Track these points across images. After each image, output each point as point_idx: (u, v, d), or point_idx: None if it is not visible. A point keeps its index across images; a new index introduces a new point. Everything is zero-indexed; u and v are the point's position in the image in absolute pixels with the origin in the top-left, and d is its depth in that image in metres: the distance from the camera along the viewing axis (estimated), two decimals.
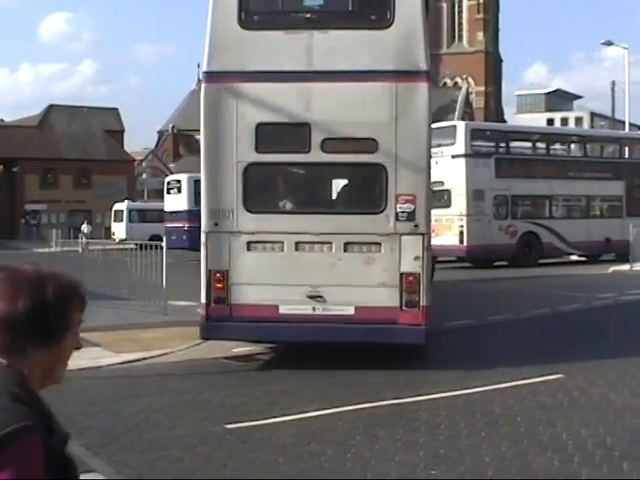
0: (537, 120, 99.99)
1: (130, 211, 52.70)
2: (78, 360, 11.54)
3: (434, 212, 13.72)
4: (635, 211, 31.48)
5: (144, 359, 11.87)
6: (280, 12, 11.88)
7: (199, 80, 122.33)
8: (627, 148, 34.52)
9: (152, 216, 48.73)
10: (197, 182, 38.32)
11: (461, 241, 28.74)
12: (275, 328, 11.06)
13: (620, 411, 8.60)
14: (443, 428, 7.86)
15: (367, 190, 12.10)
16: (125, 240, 43.54)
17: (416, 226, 10.98)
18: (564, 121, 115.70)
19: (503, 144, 30.54)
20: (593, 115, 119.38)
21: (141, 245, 18.02)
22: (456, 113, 61.53)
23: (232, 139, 11.16)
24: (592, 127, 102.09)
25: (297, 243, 11.16)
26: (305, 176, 12.34)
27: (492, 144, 30.44)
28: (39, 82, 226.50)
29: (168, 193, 40.07)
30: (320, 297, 11.03)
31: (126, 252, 20.07)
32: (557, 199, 31.54)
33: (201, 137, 11.66)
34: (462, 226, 28.77)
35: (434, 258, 14.66)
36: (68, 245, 35.92)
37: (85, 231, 50.15)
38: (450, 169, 27.73)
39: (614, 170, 32.43)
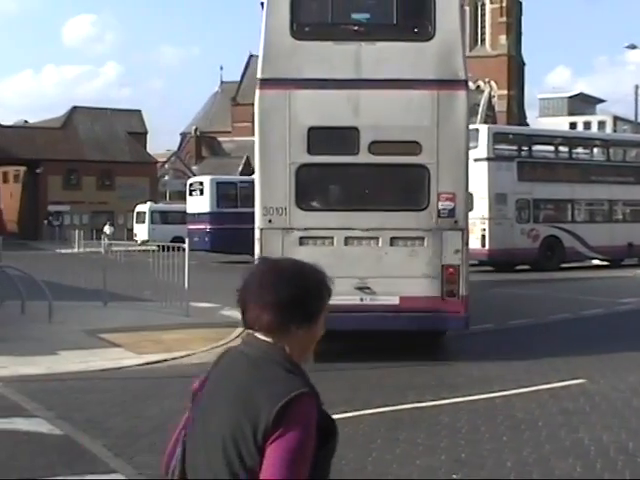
0: (560, 124, 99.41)
1: (152, 213, 52.91)
2: (100, 361, 11.62)
3: None
4: None
5: (165, 360, 11.90)
6: (329, 24, 12.71)
7: (222, 82, 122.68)
8: None
9: (174, 218, 48.91)
10: (219, 184, 38.88)
11: (483, 245, 28.64)
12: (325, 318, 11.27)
13: None
14: (464, 432, 7.84)
15: (411, 189, 12.90)
16: (147, 242, 43.77)
17: (456, 222, 11.96)
18: (587, 125, 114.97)
19: (525, 148, 30.41)
20: (616, 119, 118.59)
21: (163, 247, 18.08)
22: (478, 116, 61.07)
23: (285, 142, 11.94)
24: (615, 131, 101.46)
25: (346, 238, 12.04)
26: (354, 176, 12.92)
27: (514, 147, 30.31)
28: (63, 84, 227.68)
29: (190, 195, 40.21)
30: (367, 288, 11.89)
31: (148, 253, 20.15)
32: (579, 203, 31.37)
33: (255, 140, 12.24)
34: (484, 230, 28.66)
35: None
36: (90, 246, 36.17)
37: (107, 232, 50.35)
38: (472, 172, 27.53)
39: (637, 174, 32.20)
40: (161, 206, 58.49)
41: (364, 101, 12.12)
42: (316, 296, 2.40)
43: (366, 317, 11.81)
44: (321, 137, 12.18)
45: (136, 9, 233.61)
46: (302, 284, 2.35)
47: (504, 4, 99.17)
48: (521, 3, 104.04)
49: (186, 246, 16.69)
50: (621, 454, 7.07)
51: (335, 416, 7.91)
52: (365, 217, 12.17)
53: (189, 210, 39.99)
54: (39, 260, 22.34)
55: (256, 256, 11.49)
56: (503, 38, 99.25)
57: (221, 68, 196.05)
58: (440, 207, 11.96)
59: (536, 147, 31.34)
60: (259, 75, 12.29)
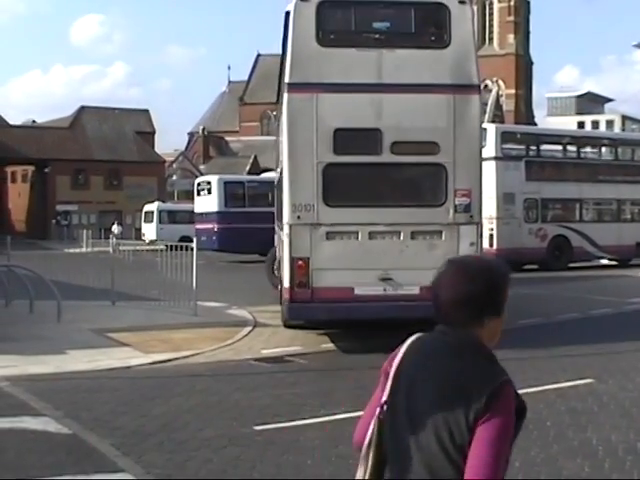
0: (568, 123, 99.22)
1: (160, 212, 52.94)
2: (108, 360, 11.64)
3: None
4: None
5: (173, 360, 11.91)
6: (352, 32, 13.52)
7: (229, 82, 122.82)
8: None
9: (182, 217, 48.98)
10: (227, 184, 38.87)
11: (491, 244, 28.56)
12: (351, 308, 12.65)
13: None
14: None
15: (430, 186, 13.74)
16: (155, 241, 43.83)
17: (471, 217, 12.97)
18: (595, 124, 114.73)
19: (533, 147, 30.36)
20: (624, 118, 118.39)
21: (171, 246, 18.10)
22: (486, 116, 61.13)
23: (312, 142, 12.69)
24: (623, 130, 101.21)
25: (370, 233, 12.83)
26: (377, 174, 13.67)
27: (522, 147, 30.25)
28: (71, 84, 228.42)
29: (198, 194, 40.22)
30: (390, 279, 12.71)
31: (156, 253, 20.18)
32: (588, 202, 31.30)
33: (284, 140, 13.07)
34: (492, 229, 28.60)
35: None
36: (98, 245, 36.15)
37: (116, 232, 50.43)
38: None
39: None
40: (169, 206, 58.54)
41: (386, 104, 12.92)
42: (502, 289, 2.58)
43: (389, 306, 12.57)
44: (346, 138, 12.92)
45: (144, 9, 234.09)
46: (490, 279, 2.54)
47: (512, 3, 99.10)
48: (529, 2, 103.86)
49: (194, 245, 16.71)
50: (629, 454, 7.06)
51: (342, 416, 7.91)
52: (388, 213, 13.01)
53: (197, 210, 40.00)
54: (47, 260, 22.38)
55: (286, 251, 12.70)
56: (511, 37, 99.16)
57: (229, 68, 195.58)
58: (457, 203, 12.90)
59: (544, 146, 31.26)
60: (287, 79, 12.93)
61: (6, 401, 9.22)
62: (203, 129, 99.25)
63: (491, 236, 28.54)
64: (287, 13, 13.20)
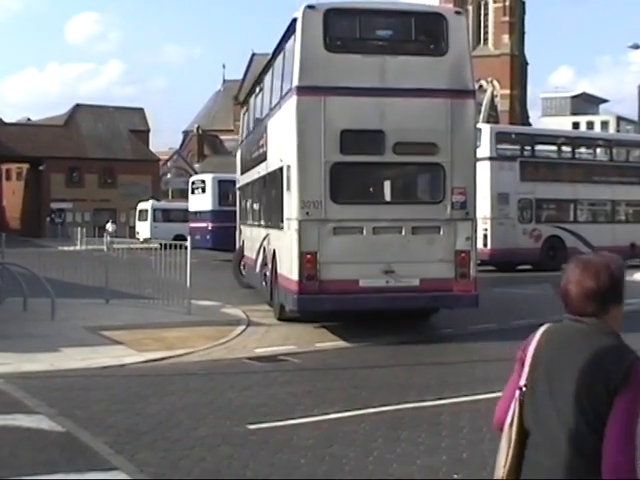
0: (562, 124, 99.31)
1: (154, 211, 52.90)
2: (101, 358, 11.63)
3: None
4: None
5: (167, 358, 11.90)
6: (357, 39, 14.40)
7: (224, 81, 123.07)
8: None
9: (176, 216, 48.93)
10: (221, 182, 38.89)
11: (485, 244, 28.59)
12: (356, 299, 13.43)
13: None
14: (466, 432, 7.84)
15: (429, 184, 14.89)
16: (149, 239, 43.76)
17: (467, 213, 13.84)
18: (590, 125, 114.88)
19: (528, 147, 30.40)
20: (619, 119, 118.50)
21: (165, 245, 18.08)
22: (481, 116, 61.15)
23: (320, 142, 13.45)
24: (618, 131, 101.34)
25: (374, 228, 13.63)
26: (380, 173, 14.81)
27: (517, 147, 30.30)
28: (66, 82, 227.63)
29: (192, 193, 40.20)
30: (392, 272, 13.49)
31: (150, 251, 20.16)
32: (582, 203, 31.35)
33: (294, 141, 13.63)
34: (486, 229, 28.64)
35: None
36: (93, 243, 36.15)
37: (110, 230, 50.39)
38: None
39: None
40: (163, 204, 58.47)
41: (388, 107, 13.78)
42: (622, 280, 2.94)
43: (391, 297, 13.45)
44: (352, 138, 13.72)
45: (139, 7, 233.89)
46: (612, 274, 2.90)
47: (507, 3, 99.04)
48: (524, 2, 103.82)
49: (188, 244, 16.69)
50: None
51: (336, 415, 7.91)
52: (390, 209, 14.05)
53: (191, 208, 39.98)
54: (41, 257, 22.29)
55: (294, 246, 13.33)
56: (506, 37, 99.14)
57: (224, 66, 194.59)
58: (453, 200, 13.74)
59: (539, 147, 31.32)
60: (296, 83, 13.60)
61: None
62: (198, 128, 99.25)
63: (485, 236, 28.58)
64: (294, 20, 13.90)
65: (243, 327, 14.84)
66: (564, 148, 31.81)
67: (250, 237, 20.99)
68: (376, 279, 13.44)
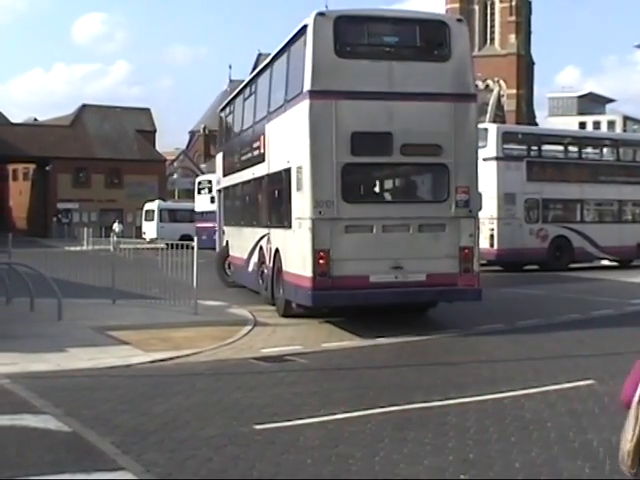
0: (569, 123, 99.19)
1: (161, 211, 53.00)
2: (108, 358, 11.64)
3: None
4: None
5: (174, 358, 11.89)
6: (366, 45, 14.97)
7: (230, 81, 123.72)
8: None
9: (183, 216, 49.04)
10: None
11: (492, 244, 28.60)
12: (367, 294, 14.00)
13: None
14: (472, 432, 7.82)
15: (434, 184, 15.34)
16: (156, 240, 43.83)
17: (470, 211, 14.49)
18: (596, 125, 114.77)
19: (535, 147, 30.34)
20: (626, 119, 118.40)
21: (172, 245, 18.10)
22: (487, 116, 61.09)
23: (332, 144, 13.94)
24: (625, 131, 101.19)
25: (384, 226, 14.17)
26: (389, 173, 15.72)
27: (523, 147, 30.24)
28: (73, 82, 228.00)
29: (199, 193, 40.31)
30: (401, 267, 14.09)
31: (157, 252, 20.17)
32: (589, 203, 31.29)
33: (306, 143, 14.09)
34: (493, 229, 28.63)
35: None
36: (99, 244, 36.21)
37: (117, 230, 50.46)
38: (481, 172, 27.47)
39: None
40: (169, 204, 58.62)
41: (396, 110, 14.32)
42: None
43: (400, 292, 14.05)
44: (362, 140, 14.13)
45: (146, 8, 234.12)
46: None
47: (513, 3, 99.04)
48: (530, 2, 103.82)
49: (194, 244, 16.70)
50: None
51: (342, 415, 7.91)
52: (399, 208, 14.62)
53: (197, 208, 40.12)
54: (48, 257, 22.34)
55: (308, 243, 13.78)
56: (512, 37, 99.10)
57: (230, 67, 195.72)
58: (457, 199, 14.39)
59: (545, 147, 31.25)
60: (308, 87, 14.06)
61: (6, 399, 9.21)
62: (204, 128, 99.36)
63: (492, 236, 28.57)
64: (304, 26, 14.35)
65: (250, 327, 14.84)
66: (571, 148, 31.75)
67: (239, 237, 21.27)
68: (385, 275, 13.99)
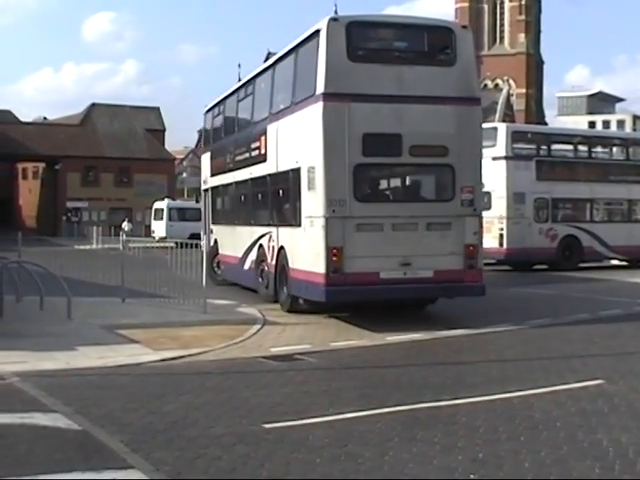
0: (579, 123, 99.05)
1: (170, 210, 53.09)
2: (117, 357, 11.66)
3: None
4: None
5: (183, 357, 11.91)
6: (377, 49, 15.66)
7: (240, 80, 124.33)
8: None
9: (192, 215, 48.97)
10: None
11: (501, 244, 28.57)
12: (377, 289, 14.47)
13: None
14: (482, 432, 7.81)
15: (441, 184, 15.81)
16: (165, 238, 43.90)
17: (474, 210, 15.07)
18: (606, 124, 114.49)
19: (544, 147, 30.28)
20: (635, 118, 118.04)
21: (181, 243, 18.13)
22: (497, 115, 61.00)
23: (344, 145, 14.40)
24: (634, 130, 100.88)
25: (393, 224, 14.65)
26: (398, 173, 16.03)
27: (533, 146, 30.19)
28: (82, 81, 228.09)
29: None
30: (409, 264, 14.61)
31: (166, 250, 20.20)
32: (598, 202, 31.19)
33: (320, 143, 14.49)
34: (502, 229, 28.60)
35: None
36: (108, 242, 36.29)
37: (126, 229, 50.56)
38: (490, 171, 27.39)
39: None
40: (179, 203, 58.69)
41: (405, 113, 14.81)
42: None
43: (408, 288, 14.64)
44: (373, 141, 14.58)
45: (155, 7, 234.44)
46: None
47: (523, 2, 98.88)
48: (540, 1, 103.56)
49: (203, 243, 16.72)
50: None
51: (351, 414, 7.91)
52: (408, 207, 15.03)
53: None
54: (58, 256, 22.37)
55: (322, 241, 14.22)
56: (522, 36, 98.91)
57: (239, 66, 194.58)
58: (463, 198, 14.95)
59: (555, 146, 31.17)
60: (322, 90, 14.50)
61: (16, 397, 9.24)
62: None
63: (501, 236, 28.54)
64: (317, 30, 14.78)
65: (259, 326, 14.85)
66: (580, 147, 31.66)
67: (232, 236, 21.36)
68: (395, 271, 14.49)
